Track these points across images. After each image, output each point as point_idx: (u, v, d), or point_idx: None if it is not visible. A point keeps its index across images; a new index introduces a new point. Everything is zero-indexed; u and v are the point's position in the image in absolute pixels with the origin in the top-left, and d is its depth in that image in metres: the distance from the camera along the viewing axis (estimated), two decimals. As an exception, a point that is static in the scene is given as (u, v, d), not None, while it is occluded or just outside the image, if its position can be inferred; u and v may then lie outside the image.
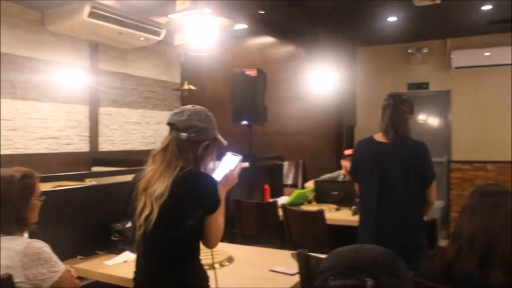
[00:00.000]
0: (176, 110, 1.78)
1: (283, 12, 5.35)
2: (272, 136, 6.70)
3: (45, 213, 1.94)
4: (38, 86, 5.54)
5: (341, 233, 3.45)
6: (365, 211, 2.69)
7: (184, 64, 7.40)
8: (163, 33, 5.75)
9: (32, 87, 5.48)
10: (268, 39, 6.92)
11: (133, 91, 6.97)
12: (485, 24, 5.85)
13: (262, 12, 5.27)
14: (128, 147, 6.83)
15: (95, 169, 5.85)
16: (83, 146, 6.15)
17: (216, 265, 2.17)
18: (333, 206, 4.08)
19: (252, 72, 4.95)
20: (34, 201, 1.85)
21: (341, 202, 4.13)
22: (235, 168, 1.85)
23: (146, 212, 1.63)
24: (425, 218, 2.68)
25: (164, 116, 7.25)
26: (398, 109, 2.58)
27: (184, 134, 1.70)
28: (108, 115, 6.53)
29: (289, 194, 4.48)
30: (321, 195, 4.34)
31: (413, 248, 2.47)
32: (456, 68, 6.56)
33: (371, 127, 3.06)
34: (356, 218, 2.96)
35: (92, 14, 4.96)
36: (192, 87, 6.46)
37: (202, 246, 1.75)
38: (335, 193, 4.23)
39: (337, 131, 6.77)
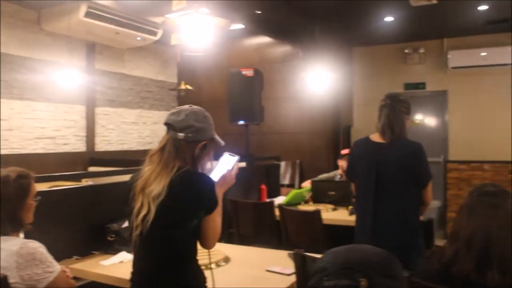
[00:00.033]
0: (173, 110, 1.77)
1: (279, 12, 5.35)
2: (269, 136, 6.70)
3: (41, 213, 1.94)
4: (35, 86, 5.53)
5: (338, 233, 3.45)
6: (361, 211, 2.70)
7: (181, 64, 7.40)
8: (159, 33, 5.74)
9: (28, 87, 5.46)
10: (264, 39, 6.92)
11: (130, 91, 6.95)
12: (481, 24, 5.87)
13: (259, 12, 5.27)
14: (125, 147, 6.82)
15: (91, 169, 5.83)
16: (79, 146, 6.13)
17: (213, 265, 2.17)
18: (330, 206, 4.09)
19: (249, 72, 4.95)
20: (29, 201, 1.84)
21: (338, 202, 4.14)
22: (232, 168, 1.85)
23: (143, 212, 1.63)
24: (421, 218, 2.69)
25: (161, 116, 7.23)
26: (395, 110, 2.59)
27: (181, 134, 1.70)
28: (105, 115, 6.52)
29: (286, 194, 4.47)
30: (318, 195, 4.34)
31: (410, 248, 2.47)
32: (453, 68, 6.57)
33: (368, 127, 3.07)
34: (353, 218, 2.96)
35: (88, 14, 4.94)
36: (189, 87, 6.45)
37: (198, 246, 1.75)
38: (332, 193, 4.24)
39: (334, 131, 6.78)
